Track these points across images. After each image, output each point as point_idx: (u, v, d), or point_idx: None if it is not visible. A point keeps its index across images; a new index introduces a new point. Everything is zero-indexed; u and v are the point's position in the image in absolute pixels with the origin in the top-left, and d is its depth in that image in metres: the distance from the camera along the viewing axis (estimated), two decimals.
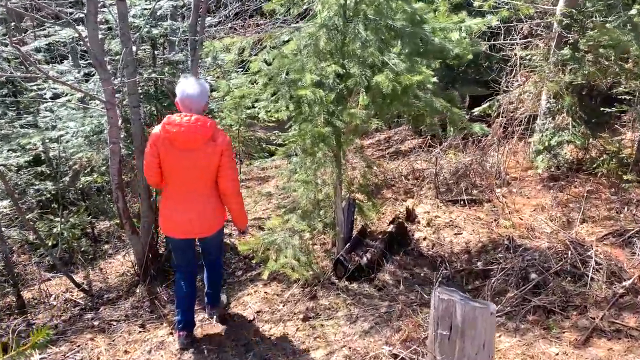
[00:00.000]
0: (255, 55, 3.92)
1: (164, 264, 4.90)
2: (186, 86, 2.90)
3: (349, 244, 4.10)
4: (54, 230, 5.93)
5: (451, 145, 6.96)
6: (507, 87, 5.55)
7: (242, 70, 6.82)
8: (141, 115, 4.41)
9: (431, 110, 3.35)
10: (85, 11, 3.63)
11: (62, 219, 6.05)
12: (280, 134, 7.15)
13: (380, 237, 4.19)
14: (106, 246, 6.80)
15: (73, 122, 4.31)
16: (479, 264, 3.77)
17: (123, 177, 5.31)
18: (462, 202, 4.84)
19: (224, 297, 3.81)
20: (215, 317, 3.60)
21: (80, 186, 5.53)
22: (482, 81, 7.19)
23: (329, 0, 3.31)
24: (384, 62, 3.36)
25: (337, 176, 3.91)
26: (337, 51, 3.55)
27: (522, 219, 4.41)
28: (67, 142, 4.85)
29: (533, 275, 3.27)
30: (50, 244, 5.59)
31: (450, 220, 4.44)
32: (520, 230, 4.17)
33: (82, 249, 6.41)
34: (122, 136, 4.71)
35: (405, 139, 8.83)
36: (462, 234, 4.24)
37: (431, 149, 6.99)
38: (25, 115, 5.36)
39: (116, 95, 4.63)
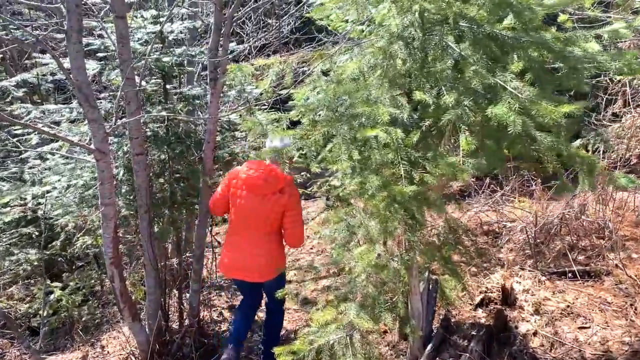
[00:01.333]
0: (296, 84, 2.88)
1: (176, 354, 3.84)
2: (273, 139, 3.05)
3: (430, 344, 2.88)
4: (51, 297, 5.18)
5: (514, 189, 5.76)
6: (610, 119, 4.35)
7: (267, 108, 5.86)
8: (147, 163, 3.38)
9: (568, 157, 2.20)
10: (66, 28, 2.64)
11: (57, 287, 5.13)
12: (314, 179, 6.10)
13: (473, 332, 2.96)
14: (115, 308, 5.90)
15: (58, 175, 3.28)
16: None
17: (123, 240, 4.28)
18: (570, 274, 3.58)
19: None
20: None
21: (76, 252, 4.49)
22: None
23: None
24: (490, 87, 2.26)
25: (413, 248, 2.75)
26: (417, 73, 2.47)
27: None
28: (57, 198, 3.83)
29: None
30: (45, 313, 4.90)
31: (567, 305, 3.17)
32: None
33: (84, 318, 5.56)
34: (123, 191, 3.69)
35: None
36: (589, 327, 2.97)
37: (493, 194, 5.79)
38: (11, 165, 4.38)
39: (114, 140, 3.63)
